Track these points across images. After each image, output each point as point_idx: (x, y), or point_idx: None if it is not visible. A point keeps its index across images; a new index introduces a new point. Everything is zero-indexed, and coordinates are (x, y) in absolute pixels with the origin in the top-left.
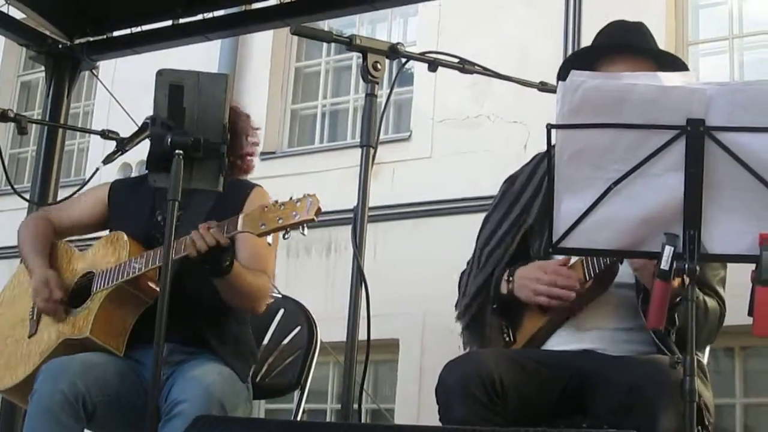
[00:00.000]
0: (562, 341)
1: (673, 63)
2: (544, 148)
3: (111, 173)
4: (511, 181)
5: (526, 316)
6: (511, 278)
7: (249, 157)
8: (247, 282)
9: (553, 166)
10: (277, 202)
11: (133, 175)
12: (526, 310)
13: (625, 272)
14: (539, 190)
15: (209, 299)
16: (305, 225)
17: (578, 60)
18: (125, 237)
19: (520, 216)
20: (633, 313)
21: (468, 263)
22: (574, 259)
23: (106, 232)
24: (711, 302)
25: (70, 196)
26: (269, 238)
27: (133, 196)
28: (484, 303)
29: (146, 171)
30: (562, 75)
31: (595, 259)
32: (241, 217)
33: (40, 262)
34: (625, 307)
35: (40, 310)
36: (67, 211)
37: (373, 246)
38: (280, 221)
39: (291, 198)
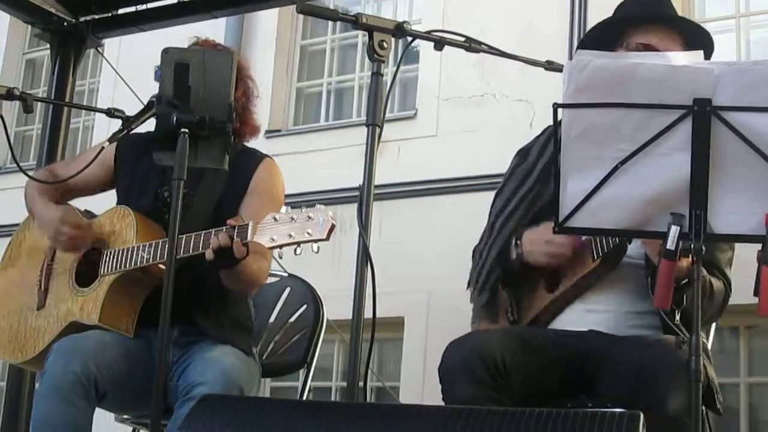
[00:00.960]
0: (568, 321)
1: (700, 34)
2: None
3: None
4: (523, 154)
5: (532, 295)
6: (519, 242)
7: (253, 119)
8: (250, 270)
9: (560, 145)
10: (289, 212)
11: None
12: (532, 288)
13: (635, 250)
14: (551, 165)
15: (206, 286)
16: (317, 243)
17: (603, 32)
18: (131, 215)
19: (532, 189)
20: (643, 295)
21: (481, 237)
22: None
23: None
24: (717, 283)
25: (77, 174)
26: (279, 250)
27: (141, 162)
28: (499, 278)
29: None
30: (586, 43)
31: (603, 238)
32: (251, 225)
33: (49, 203)
34: (634, 288)
35: (65, 248)
36: (73, 173)
37: (378, 224)
38: (291, 237)
39: (303, 210)
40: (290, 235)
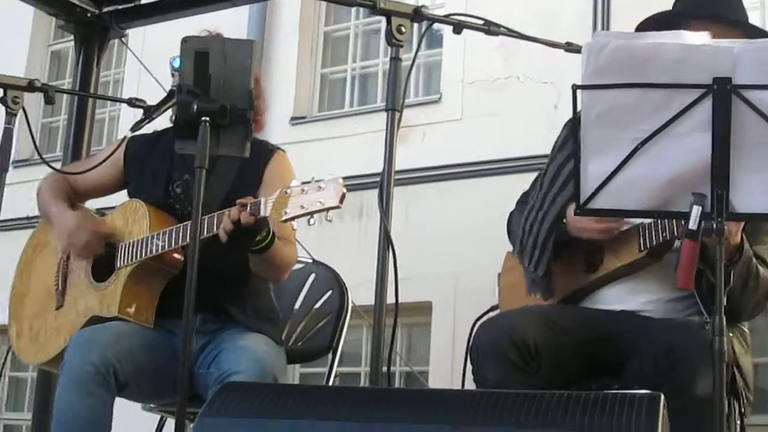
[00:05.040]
0: (605, 301)
1: (763, 36)
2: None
3: None
4: (573, 123)
5: (568, 271)
6: (564, 221)
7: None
8: (280, 255)
9: (579, 127)
10: (300, 185)
11: None
12: (569, 266)
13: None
14: None
15: (231, 272)
16: (330, 211)
17: (659, 25)
18: (143, 207)
19: None
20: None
21: (517, 203)
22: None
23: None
24: (764, 271)
25: (95, 167)
26: (294, 224)
27: (150, 159)
28: (553, 250)
29: (163, 129)
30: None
31: (652, 230)
32: (263, 201)
33: (66, 207)
34: (671, 274)
35: (78, 255)
36: (86, 174)
37: (404, 209)
38: (304, 208)
39: (313, 179)
40: (302, 206)
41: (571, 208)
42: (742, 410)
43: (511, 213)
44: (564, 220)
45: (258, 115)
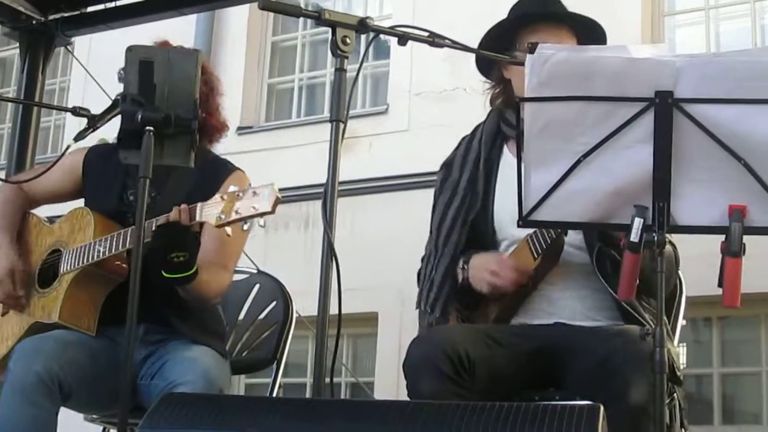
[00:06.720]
0: (528, 316)
1: (592, 28)
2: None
3: None
4: (446, 168)
5: (482, 303)
6: (465, 266)
7: (220, 115)
8: (205, 289)
9: (523, 139)
10: (235, 191)
11: None
12: (482, 297)
13: (572, 235)
14: (475, 175)
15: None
16: (263, 216)
17: (498, 34)
18: (90, 215)
19: (464, 200)
20: (590, 275)
21: (426, 258)
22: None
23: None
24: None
25: (39, 175)
26: (228, 229)
27: (106, 168)
28: (450, 292)
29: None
30: (484, 47)
31: (539, 236)
32: (199, 206)
33: (6, 243)
34: (579, 270)
35: (1, 302)
36: (41, 180)
37: (350, 220)
38: (238, 213)
39: (250, 186)
40: (237, 212)
41: (477, 257)
42: (681, 405)
43: (419, 270)
44: (464, 266)
45: (212, 118)
